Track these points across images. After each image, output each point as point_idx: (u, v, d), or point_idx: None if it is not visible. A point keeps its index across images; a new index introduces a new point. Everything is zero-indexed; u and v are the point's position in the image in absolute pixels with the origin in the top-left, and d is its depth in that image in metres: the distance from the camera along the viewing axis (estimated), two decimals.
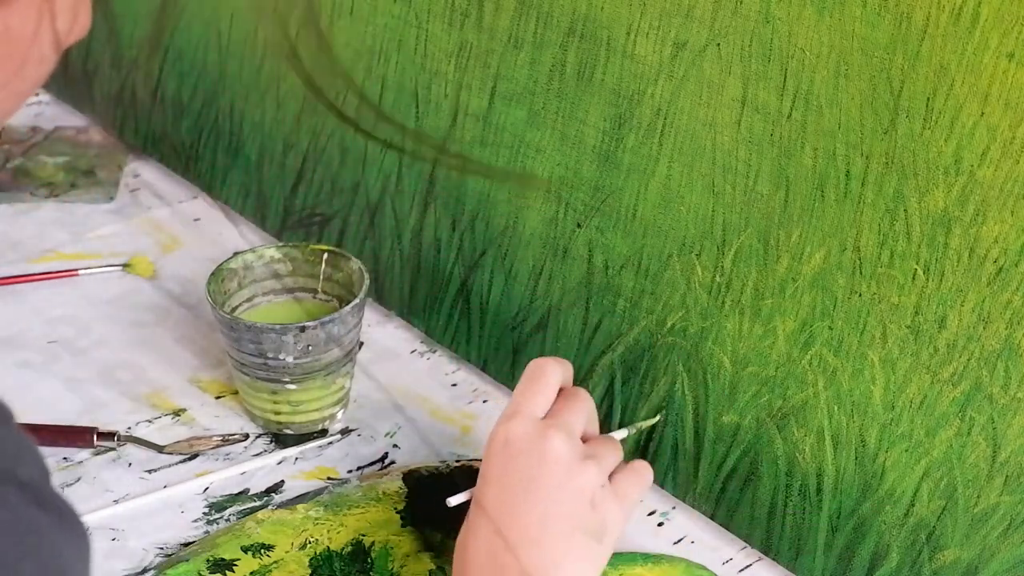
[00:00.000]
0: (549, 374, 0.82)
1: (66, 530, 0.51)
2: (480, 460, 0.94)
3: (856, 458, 0.83)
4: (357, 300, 0.96)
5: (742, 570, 0.90)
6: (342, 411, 1.01)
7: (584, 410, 0.83)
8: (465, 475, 0.94)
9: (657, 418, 0.92)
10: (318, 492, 0.94)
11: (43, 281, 1.14)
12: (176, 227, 1.22)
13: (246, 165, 1.20)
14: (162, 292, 1.14)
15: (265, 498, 0.94)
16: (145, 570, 0.88)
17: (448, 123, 1.01)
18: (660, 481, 0.94)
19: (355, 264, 0.99)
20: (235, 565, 0.87)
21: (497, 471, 0.79)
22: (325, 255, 1.00)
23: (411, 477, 0.93)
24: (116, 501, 0.93)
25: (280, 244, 1.03)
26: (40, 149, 1.32)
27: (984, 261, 0.75)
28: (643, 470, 0.84)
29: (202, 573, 0.86)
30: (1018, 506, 0.77)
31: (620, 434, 0.88)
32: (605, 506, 0.80)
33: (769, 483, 0.88)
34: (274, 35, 0.57)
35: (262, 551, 0.88)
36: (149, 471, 0.96)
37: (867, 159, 0.78)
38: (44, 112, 1.39)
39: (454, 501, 0.83)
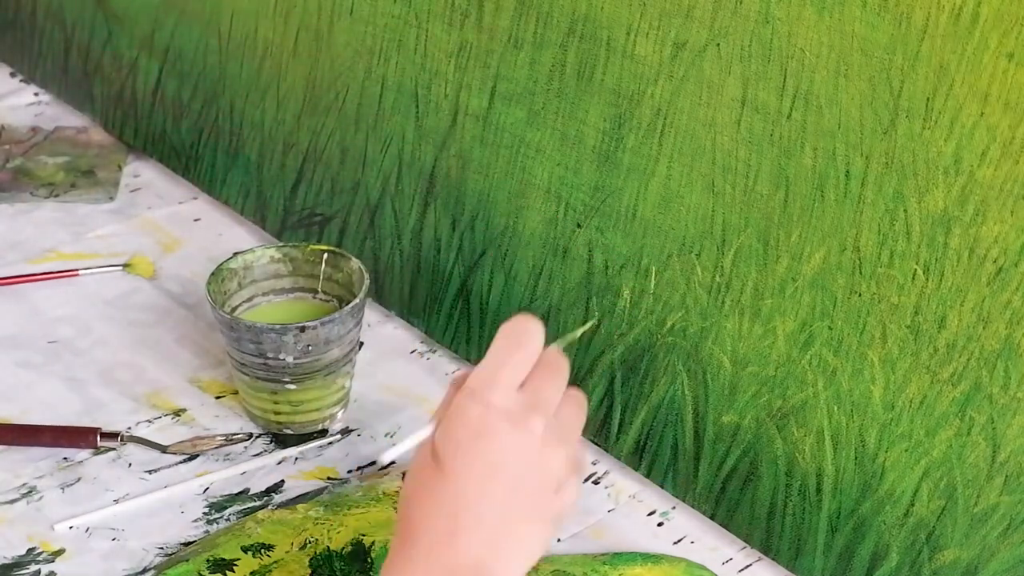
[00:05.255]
0: (534, 339, 0.77)
1: None
2: None
3: (856, 458, 0.83)
4: (357, 300, 0.96)
5: (742, 570, 0.90)
6: (342, 411, 1.01)
7: (560, 379, 0.78)
8: None
9: (589, 324, 0.90)
10: (318, 492, 0.94)
11: (43, 281, 1.14)
12: (176, 227, 1.22)
13: (246, 165, 1.20)
14: (162, 292, 1.14)
15: (265, 498, 0.94)
16: (145, 570, 0.88)
17: (448, 123, 1.01)
18: (660, 481, 0.94)
19: (355, 264, 0.99)
20: (235, 565, 0.87)
21: (465, 445, 0.74)
22: (325, 255, 1.00)
23: None
24: (116, 501, 0.93)
25: (280, 244, 1.03)
26: (40, 149, 1.32)
27: (984, 261, 0.75)
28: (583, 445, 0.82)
29: (202, 573, 0.86)
30: (1018, 506, 0.77)
31: (551, 347, 0.80)
32: (567, 489, 0.77)
33: (769, 483, 0.88)
34: None
35: (262, 551, 0.88)
36: (149, 471, 0.96)
37: (867, 159, 0.78)
38: (44, 112, 1.39)
39: (388, 457, 0.76)
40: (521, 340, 0.77)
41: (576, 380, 0.96)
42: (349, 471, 0.97)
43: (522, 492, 0.74)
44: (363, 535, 0.89)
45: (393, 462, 0.97)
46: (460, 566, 0.73)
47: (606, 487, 0.95)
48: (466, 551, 0.73)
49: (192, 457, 0.97)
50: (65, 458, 0.96)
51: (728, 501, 0.90)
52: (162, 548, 0.90)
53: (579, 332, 0.88)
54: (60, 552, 0.89)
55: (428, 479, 0.74)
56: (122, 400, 1.02)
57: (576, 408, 0.79)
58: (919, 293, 0.78)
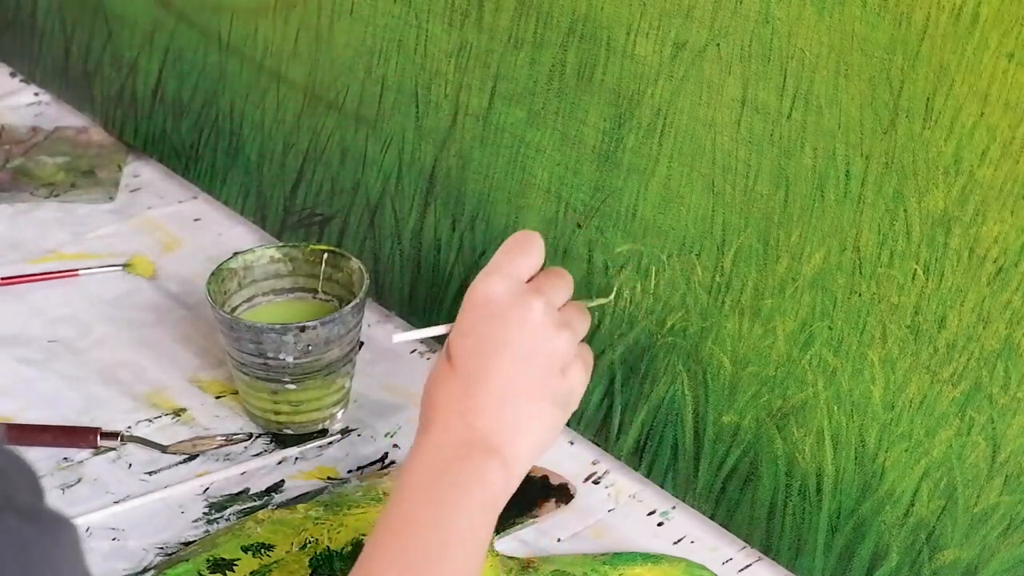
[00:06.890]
0: (536, 244, 0.81)
1: (60, 536, 0.56)
2: None
3: (856, 458, 0.83)
4: (357, 300, 0.96)
5: (742, 570, 0.90)
6: (342, 411, 1.01)
7: (566, 286, 0.83)
8: None
9: (609, 299, 0.92)
10: (318, 492, 0.94)
11: (43, 281, 1.14)
12: (176, 227, 1.22)
13: (246, 165, 1.20)
14: (162, 292, 1.14)
15: (265, 498, 0.94)
16: (145, 570, 0.88)
17: (448, 123, 1.01)
18: (660, 481, 0.94)
19: (355, 264, 0.99)
20: (235, 565, 0.87)
21: (471, 329, 0.79)
22: (325, 255, 1.00)
23: None
24: (116, 502, 0.93)
25: (280, 244, 1.03)
26: (40, 149, 1.32)
27: (984, 261, 0.75)
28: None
29: (202, 573, 0.86)
30: (1018, 506, 0.77)
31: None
32: (573, 373, 0.80)
33: (769, 483, 0.88)
34: None
35: (262, 551, 0.88)
36: (149, 471, 0.96)
37: (867, 159, 0.78)
38: (44, 112, 1.39)
39: (399, 338, 0.84)
40: (521, 241, 0.81)
41: None
42: (349, 471, 0.97)
43: (525, 369, 0.78)
44: (363, 535, 0.89)
45: (394, 461, 0.97)
46: (471, 440, 0.77)
47: (606, 487, 0.95)
48: (477, 426, 0.77)
49: (192, 457, 0.97)
50: (65, 458, 0.96)
51: (728, 501, 0.90)
52: (162, 548, 0.90)
53: (593, 303, 0.90)
54: None
55: (442, 372, 0.79)
56: (122, 400, 1.02)
57: (580, 312, 0.84)
58: (919, 293, 0.78)
